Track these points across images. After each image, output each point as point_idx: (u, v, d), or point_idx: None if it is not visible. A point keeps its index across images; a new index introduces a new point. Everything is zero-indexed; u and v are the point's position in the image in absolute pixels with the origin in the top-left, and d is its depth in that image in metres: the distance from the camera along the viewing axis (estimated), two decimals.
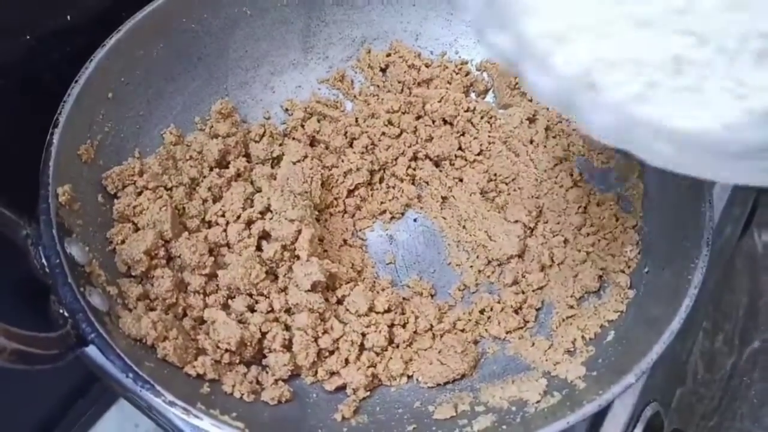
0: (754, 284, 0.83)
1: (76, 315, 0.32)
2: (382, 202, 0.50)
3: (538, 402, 0.36)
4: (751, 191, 0.82)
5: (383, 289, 0.44)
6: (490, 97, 0.54)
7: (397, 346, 0.42)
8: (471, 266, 0.46)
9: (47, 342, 0.30)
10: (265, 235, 0.43)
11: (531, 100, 0.52)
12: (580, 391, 0.35)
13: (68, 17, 0.42)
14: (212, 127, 0.48)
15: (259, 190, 0.45)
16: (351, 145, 0.50)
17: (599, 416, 0.45)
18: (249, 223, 0.43)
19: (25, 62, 0.41)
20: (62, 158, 0.38)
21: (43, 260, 0.34)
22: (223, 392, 0.36)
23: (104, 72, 0.41)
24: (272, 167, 0.47)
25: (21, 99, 0.42)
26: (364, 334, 0.40)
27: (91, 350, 0.44)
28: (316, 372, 0.39)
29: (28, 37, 0.40)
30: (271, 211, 0.43)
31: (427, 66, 0.54)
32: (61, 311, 0.33)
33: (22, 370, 0.40)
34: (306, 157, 0.46)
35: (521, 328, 0.43)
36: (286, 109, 0.52)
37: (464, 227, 0.48)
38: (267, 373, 0.38)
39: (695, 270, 0.37)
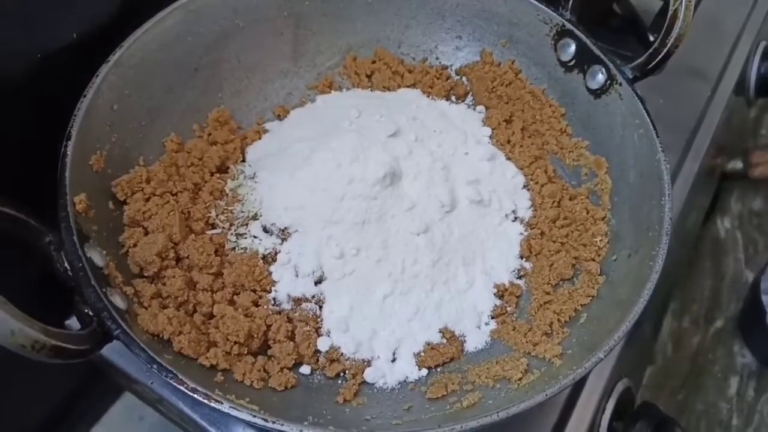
0: (717, 267, 0.89)
1: (100, 314, 0.35)
2: None
3: (519, 379, 0.40)
4: (714, 179, 0.88)
5: None
6: (469, 100, 0.58)
7: None
8: None
9: (79, 338, 0.33)
10: None
11: (507, 103, 0.56)
12: (557, 367, 0.39)
13: (74, 35, 0.45)
14: (210, 134, 0.51)
15: None
16: None
17: (575, 392, 0.49)
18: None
19: (34, 79, 0.43)
20: (76, 169, 0.40)
21: (66, 264, 0.37)
22: (235, 380, 0.39)
23: (109, 86, 0.44)
24: None
25: (31, 114, 0.44)
26: None
27: (104, 349, 0.47)
28: (318, 360, 0.43)
29: (38, 55, 0.42)
30: None
31: (409, 72, 0.57)
32: (86, 311, 0.35)
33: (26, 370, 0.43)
34: None
35: (503, 314, 0.47)
36: (278, 115, 0.55)
37: None
38: (273, 362, 0.42)
39: (657, 257, 0.41)
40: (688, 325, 0.85)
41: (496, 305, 0.46)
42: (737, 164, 0.91)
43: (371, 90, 0.56)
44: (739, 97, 0.78)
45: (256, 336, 0.41)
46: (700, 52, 0.73)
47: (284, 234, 0.46)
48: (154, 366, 0.34)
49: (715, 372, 0.81)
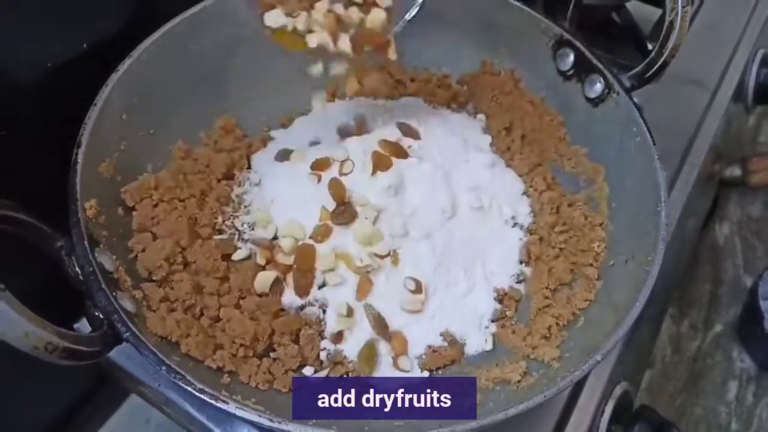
0: (715, 273, 0.89)
1: (111, 317, 0.36)
2: None
3: (519, 381, 0.41)
4: (712, 185, 0.89)
5: None
6: (469, 108, 0.59)
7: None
8: None
9: (91, 340, 0.34)
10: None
11: (507, 111, 0.57)
12: (555, 370, 0.40)
13: (84, 45, 0.46)
14: (216, 141, 0.52)
15: None
16: None
17: (574, 395, 0.50)
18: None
19: (45, 87, 0.44)
20: (86, 176, 0.41)
21: (77, 269, 0.38)
22: (241, 382, 0.40)
23: (119, 94, 0.45)
24: None
25: (42, 122, 0.45)
26: None
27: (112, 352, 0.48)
28: (321, 363, 0.44)
29: (49, 64, 0.44)
30: None
31: (412, 80, 0.58)
32: (96, 314, 0.36)
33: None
34: None
35: (503, 317, 0.48)
36: (283, 123, 0.57)
37: None
38: (278, 364, 0.43)
39: (653, 262, 0.42)
40: (687, 330, 0.85)
41: (496, 309, 0.47)
42: (735, 171, 0.92)
43: (374, 98, 0.58)
44: (737, 105, 0.79)
45: (261, 339, 0.42)
46: (699, 60, 0.74)
47: None
48: (163, 367, 0.35)
49: (713, 376, 0.82)
